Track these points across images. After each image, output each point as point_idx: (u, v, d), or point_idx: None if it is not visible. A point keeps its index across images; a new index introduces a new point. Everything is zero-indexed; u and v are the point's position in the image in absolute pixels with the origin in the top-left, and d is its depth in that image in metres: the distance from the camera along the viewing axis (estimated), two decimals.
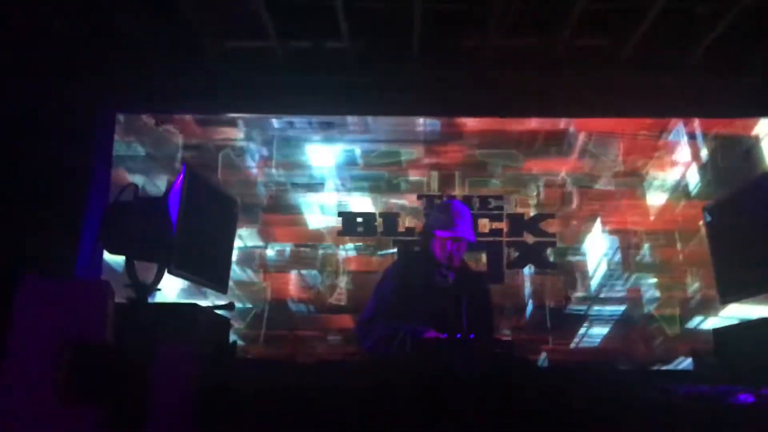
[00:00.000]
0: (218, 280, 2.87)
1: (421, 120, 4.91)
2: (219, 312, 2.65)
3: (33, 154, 4.33)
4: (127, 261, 2.54)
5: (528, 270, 4.70)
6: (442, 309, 2.89)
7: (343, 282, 4.67)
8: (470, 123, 4.89)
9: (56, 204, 4.34)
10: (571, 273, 4.67)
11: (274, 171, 4.84)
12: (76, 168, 4.52)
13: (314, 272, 4.69)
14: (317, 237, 4.75)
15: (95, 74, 4.51)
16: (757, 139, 4.75)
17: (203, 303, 2.60)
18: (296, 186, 4.83)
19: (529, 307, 4.62)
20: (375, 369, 2.32)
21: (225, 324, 2.76)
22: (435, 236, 3.04)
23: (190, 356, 1.90)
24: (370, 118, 4.89)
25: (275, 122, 4.90)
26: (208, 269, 2.77)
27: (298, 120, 4.89)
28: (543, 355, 4.48)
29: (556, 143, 4.86)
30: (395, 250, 4.72)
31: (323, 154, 4.88)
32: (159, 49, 4.50)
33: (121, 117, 4.83)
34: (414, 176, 4.85)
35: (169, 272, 2.54)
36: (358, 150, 4.88)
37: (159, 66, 4.57)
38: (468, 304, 2.89)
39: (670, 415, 1.81)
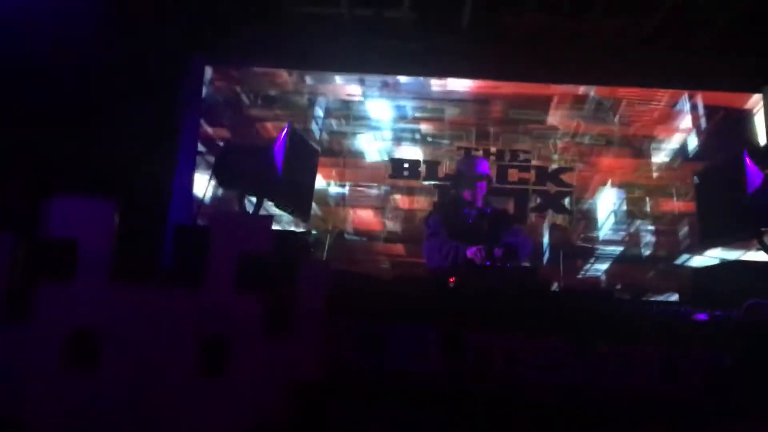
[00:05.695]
0: (305, 212, 3.74)
1: (463, 82, 5.63)
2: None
3: (132, 96, 4.84)
4: (239, 195, 3.36)
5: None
6: (474, 236, 3.77)
7: (391, 216, 5.51)
8: (506, 86, 5.60)
9: (154, 140, 4.96)
10: (584, 218, 5.49)
11: (336, 121, 5.64)
12: (171, 108, 5.19)
13: (368, 208, 5.53)
14: (371, 178, 5.56)
15: (190, 28, 5.17)
16: (749, 112, 5.48)
17: None
18: (356, 135, 5.61)
19: (546, 244, 5.48)
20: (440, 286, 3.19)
21: (309, 245, 3.62)
22: (462, 177, 3.96)
23: (324, 268, 2.73)
24: (420, 79, 5.62)
25: (343, 78, 5.66)
26: (298, 203, 3.62)
27: (360, 78, 5.64)
28: (555, 283, 5.29)
29: (578, 106, 5.58)
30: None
31: (380, 109, 5.64)
32: (245, 11, 5.15)
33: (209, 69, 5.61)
34: (455, 130, 5.60)
35: (276, 206, 3.38)
36: (408, 106, 5.64)
37: (244, 25, 5.24)
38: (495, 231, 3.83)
39: (646, 327, 2.60)
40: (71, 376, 2.12)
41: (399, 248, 5.39)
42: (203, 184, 5.01)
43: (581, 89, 5.61)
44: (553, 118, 5.60)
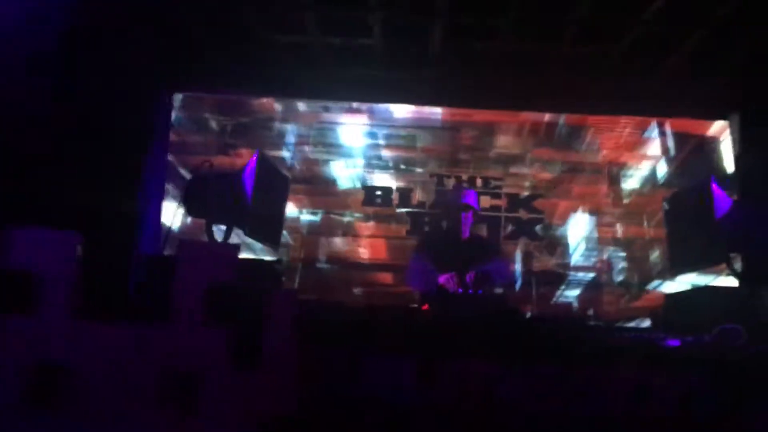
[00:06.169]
0: (274, 241, 3.69)
1: (434, 109, 5.66)
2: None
3: (102, 127, 4.84)
4: (207, 224, 3.31)
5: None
6: (458, 265, 3.82)
7: (363, 243, 5.48)
8: (477, 113, 5.64)
9: (121, 168, 4.88)
10: (557, 244, 5.52)
11: (308, 148, 5.62)
12: (139, 137, 5.10)
13: (339, 235, 5.50)
14: (344, 205, 5.53)
15: (158, 57, 5.11)
16: (716, 139, 5.59)
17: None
18: (327, 162, 5.60)
19: (518, 271, 5.48)
20: (413, 314, 3.16)
21: (279, 274, 3.57)
22: (448, 208, 4.03)
23: (292, 296, 2.69)
24: (391, 106, 5.64)
25: (312, 106, 5.65)
26: (268, 232, 3.57)
27: (331, 105, 5.65)
28: (528, 310, 5.28)
29: (548, 133, 5.64)
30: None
31: (352, 136, 5.63)
32: (215, 41, 5.13)
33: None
34: (427, 157, 5.63)
35: (246, 234, 3.31)
36: (380, 133, 5.64)
37: (213, 53, 5.21)
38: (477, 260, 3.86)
39: (619, 353, 2.60)
40: (33, 411, 2.06)
41: (373, 276, 5.35)
42: (172, 213, 4.94)
43: (551, 116, 5.67)
44: (523, 145, 5.64)
